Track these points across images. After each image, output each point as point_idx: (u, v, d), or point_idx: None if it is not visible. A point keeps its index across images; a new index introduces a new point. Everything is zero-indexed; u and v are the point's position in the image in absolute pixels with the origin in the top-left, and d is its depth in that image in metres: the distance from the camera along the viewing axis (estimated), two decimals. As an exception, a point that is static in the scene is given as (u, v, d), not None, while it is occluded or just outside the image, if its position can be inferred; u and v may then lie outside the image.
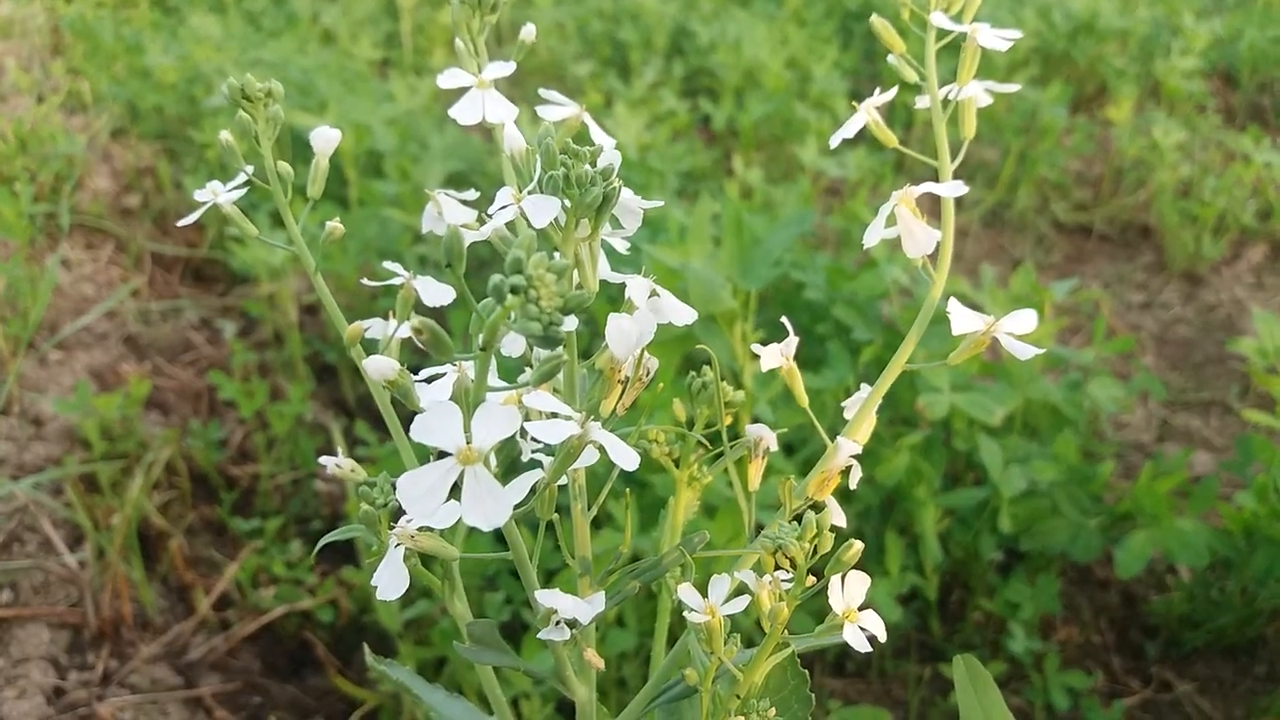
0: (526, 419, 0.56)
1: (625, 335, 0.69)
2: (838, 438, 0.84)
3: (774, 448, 0.88)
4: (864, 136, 5.09)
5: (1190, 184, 4.32)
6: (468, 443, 0.52)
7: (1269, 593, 2.28)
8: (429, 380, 0.70)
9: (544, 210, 0.66)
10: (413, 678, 0.95)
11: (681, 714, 0.87)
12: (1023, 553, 2.62)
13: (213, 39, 4.51)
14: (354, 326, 0.91)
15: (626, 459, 0.60)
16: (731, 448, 0.85)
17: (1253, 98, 5.28)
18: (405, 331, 0.90)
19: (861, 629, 0.74)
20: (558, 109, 0.91)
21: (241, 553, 2.61)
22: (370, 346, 0.97)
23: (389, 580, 0.70)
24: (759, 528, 2.11)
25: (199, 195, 0.92)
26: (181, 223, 0.90)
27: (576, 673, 0.81)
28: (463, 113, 0.86)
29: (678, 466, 0.89)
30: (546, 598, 0.70)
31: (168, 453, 2.77)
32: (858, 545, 0.73)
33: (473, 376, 0.55)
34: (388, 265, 0.93)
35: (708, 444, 0.89)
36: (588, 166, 0.68)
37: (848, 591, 0.75)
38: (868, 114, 0.89)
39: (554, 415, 0.62)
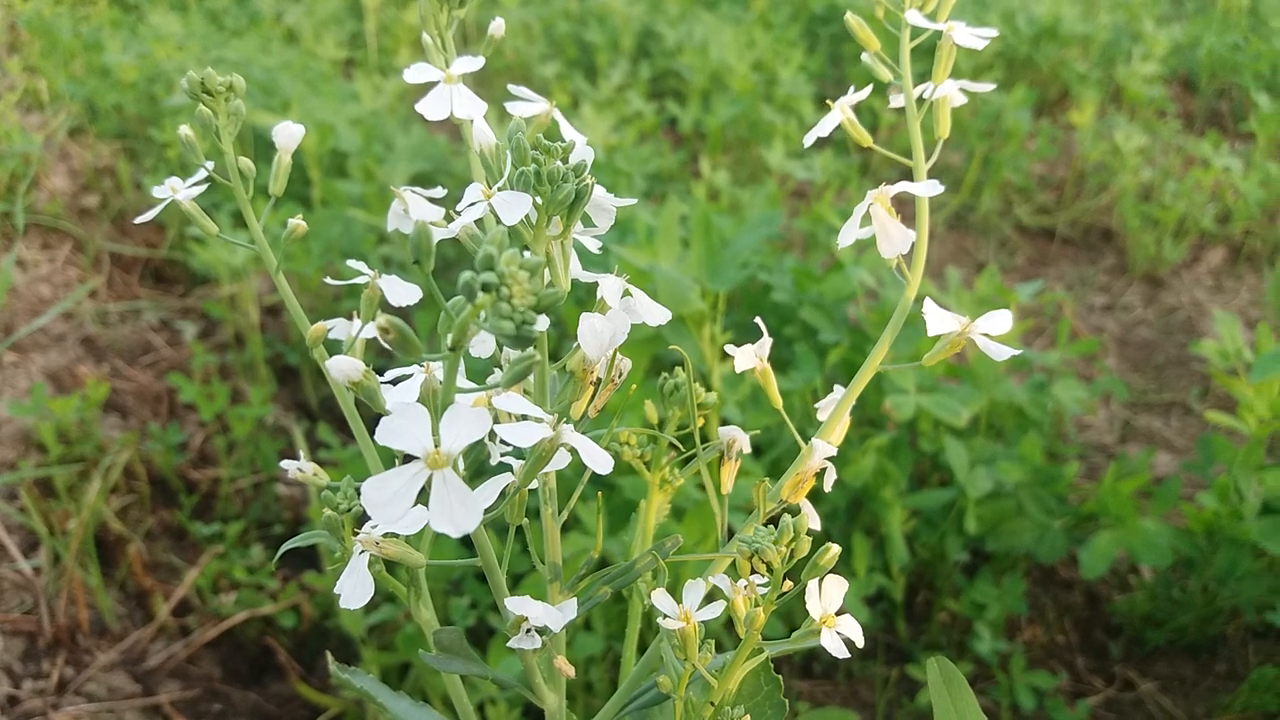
0: (496, 422, 0.54)
1: (598, 335, 0.67)
2: (812, 439, 0.83)
3: (747, 450, 0.87)
4: (831, 139, 5.12)
5: (1151, 188, 4.37)
6: (436, 446, 0.50)
7: (1230, 592, 2.30)
8: (394, 382, 0.68)
9: (515, 207, 0.64)
10: (376, 685, 0.93)
11: (653, 720, 0.85)
12: (988, 553, 2.63)
13: (174, 37, 4.45)
14: (317, 327, 0.89)
15: (600, 462, 0.58)
16: (704, 450, 0.84)
17: (1211, 103, 5.35)
18: (370, 332, 0.88)
19: (839, 634, 0.73)
20: (527, 105, 0.89)
21: (202, 558, 2.57)
22: (334, 347, 0.95)
23: (353, 588, 0.67)
24: (730, 531, 2.11)
25: (158, 192, 0.89)
26: (140, 219, 0.87)
27: (546, 680, 0.80)
28: (430, 108, 0.84)
29: (649, 469, 0.88)
30: (516, 605, 0.68)
31: (126, 456, 2.73)
32: (835, 549, 0.73)
33: (440, 378, 0.54)
34: (352, 264, 0.91)
35: (680, 446, 0.88)
36: (559, 163, 0.67)
37: (825, 596, 0.74)
38: (842, 112, 0.89)
39: (525, 418, 0.60)
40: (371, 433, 0.77)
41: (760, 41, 4.83)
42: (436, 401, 0.55)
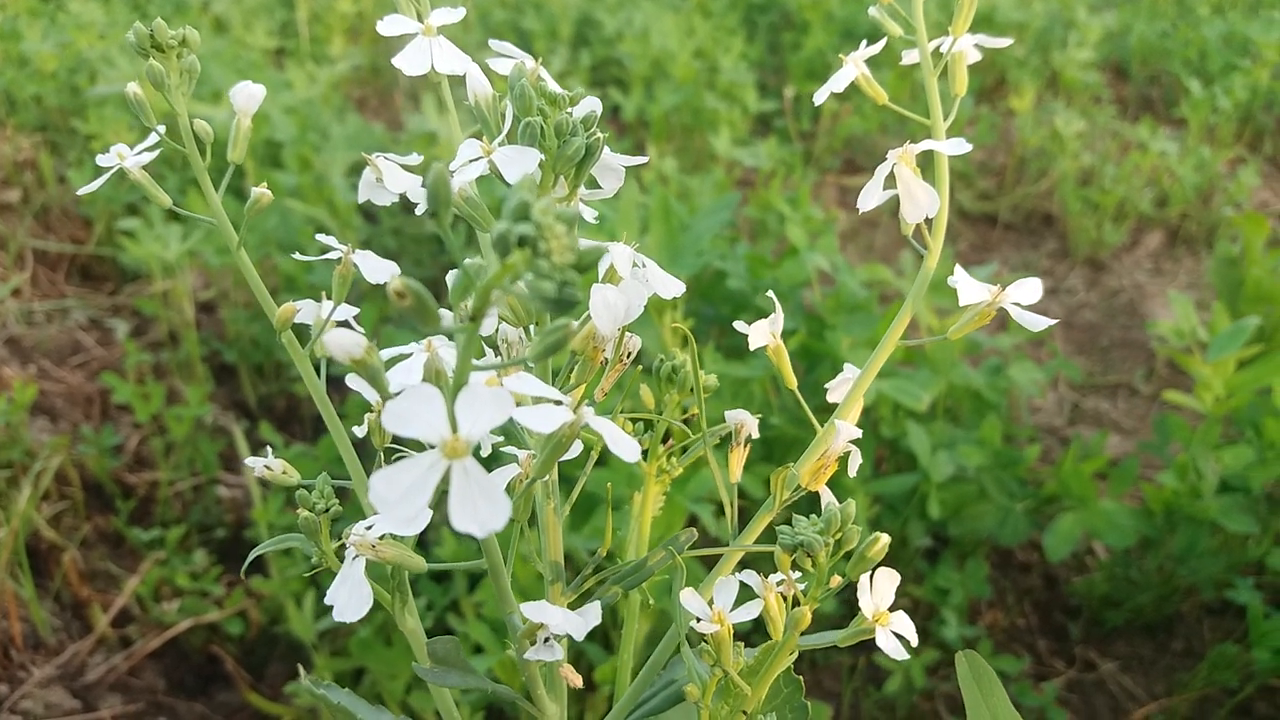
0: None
1: (612, 308, 0.62)
2: (834, 419, 0.78)
3: (755, 434, 0.82)
4: (772, 127, 5.07)
5: (1090, 173, 4.41)
6: (454, 432, 0.44)
7: (1188, 570, 2.31)
8: (388, 364, 0.62)
9: (520, 162, 0.58)
10: (354, 700, 0.86)
11: (662, 726, 0.80)
12: (948, 538, 2.62)
13: (95, 25, 4.28)
14: (285, 308, 0.82)
15: (627, 449, 0.52)
16: (705, 437, 0.79)
17: (1143, 89, 5.43)
18: (344, 312, 0.82)
19: (894, 633, 0.68)
20: (509, 62, 0.83)
21: (142, 565, 2.46)
22: (296, 339, 0.88)
23: (349, 598, 0.60)
24: (692, 519, 2.06)
25: (103, 160, 0.81)
26: (83, 190, 0.80)
27: (547, 689, 0.74)
28: (408, 62, 0.78)
29: (645, 458, 0.83)
30: (534, 611, 0.61)
31: (57, 461, 2.60)
32: (884, 539, 0.68)
33: (447, 354, 0.48)
34: (321, 238, 0.84)
35: (688, 430, 0.83)
36: (569, 113, 0.61)
37: (876, 591, 0.69)
38: (857, 67, 0.84)
39: (540, 400, 0.54)
40: (350, 420, 0.70)
41: (700, 29, 4.79)
42: (441, 382, 0.49)
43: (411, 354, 0.63)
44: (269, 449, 0.88)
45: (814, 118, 4.74)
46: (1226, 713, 2.31)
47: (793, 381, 0.85)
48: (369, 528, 0.58)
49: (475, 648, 2.16)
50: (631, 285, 0.66)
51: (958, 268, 0.76)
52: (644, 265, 0.70)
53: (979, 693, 0.76)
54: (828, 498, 0.77)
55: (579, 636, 0.60)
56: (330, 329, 0.78)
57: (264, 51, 4.60)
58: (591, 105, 0.65)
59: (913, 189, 0.74)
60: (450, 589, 2.31)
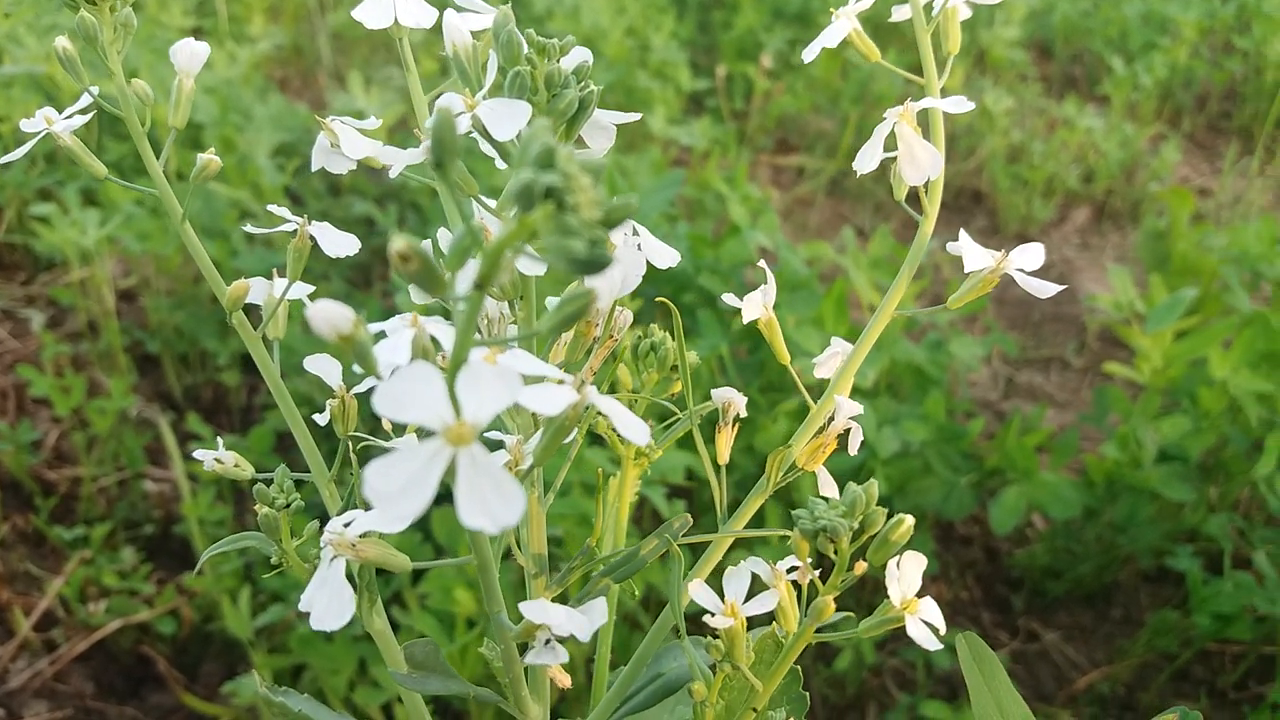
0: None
1: (608, 279, 0.57)
2: (834, 395, 0.75)
3: (743, 413, 0.79)
4: (705, 106, 5.04)
5: (1019, 150, 4.46)
6: (458, 416, 0.40)
7: (1127, 539, 2.34)
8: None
9: (510, 117, 0.53)
10: (315, 706, 0.81)
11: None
12: (892, 513, 2.62)
13: (0, 2, 4.08)
14: (237, 285, 0.76)
15: (637, 430, 0.48)
16: (689, 416, 0.75)
17: (1066, 67, 5.51)
18: (298, 292, 0.76)
19: (924, 621, 0.65)
20: (477, 18, 0.78)
21: (66, 565, 2.36)
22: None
23: (327, 604, 0.53)
24: (641, 502, 2.01)
25: (27, 125, 0.75)
26: (5, 159, 0.73)
27: (530, 690, 0.69)
28: (369, 14, 0.72)
29: (622, 441, 0.79)
30: (535, 611, 0.56)
31: (-29, 459, 2.48)
32: (909, 520, 0.65)
33: (433, 330, 0.43)
34: (273, 209, 0.78)
35: (674, 408, 0.79)
36: (559, 63, 0.56)
37: (904, 577, 0.66)
38: (850, 22, 0.80)
39: (540, 379, 0.50)
40: (307, 407, 0.65)
41: (630, 8, 4.74)
42: (429, 358, 0.45)
43: (388, 332, 0.58)
44: (220, 443, 0.82)
45: (746, 97, 4.73)
46: (1166, 678, 2.35)
47: (785, 357, 0.82)
48: (347, 524, 0.52)
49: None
50: (627, 254, 0.62)
51: (962, 234, 0.74)
52: (638, 233, 0.66)
53: (980, 675, 0.74)
54: (825, 478, 0.74)
55: (584, 638, 0.56)
56: (278, 306, 0.73)
57: (180, 31, 4.43)
58: (582, 56, 0.61)
59: (915, 149, 0.71)
60: (392, 580, 2.25)
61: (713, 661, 0.67)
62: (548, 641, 0.56)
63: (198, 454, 0.78)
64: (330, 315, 0.45)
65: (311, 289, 0.79)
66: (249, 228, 0.79)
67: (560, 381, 0.48)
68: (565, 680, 0.62)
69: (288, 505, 0.70)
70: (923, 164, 0.71)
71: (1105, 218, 4.35)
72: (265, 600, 2.41)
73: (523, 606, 0.56)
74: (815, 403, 0.77)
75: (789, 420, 2.20)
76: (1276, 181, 4.45)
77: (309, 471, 0.86)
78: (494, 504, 0.39)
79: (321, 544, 0.51)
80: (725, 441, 0.80)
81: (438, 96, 0.65)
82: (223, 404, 3.13)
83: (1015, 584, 2.67)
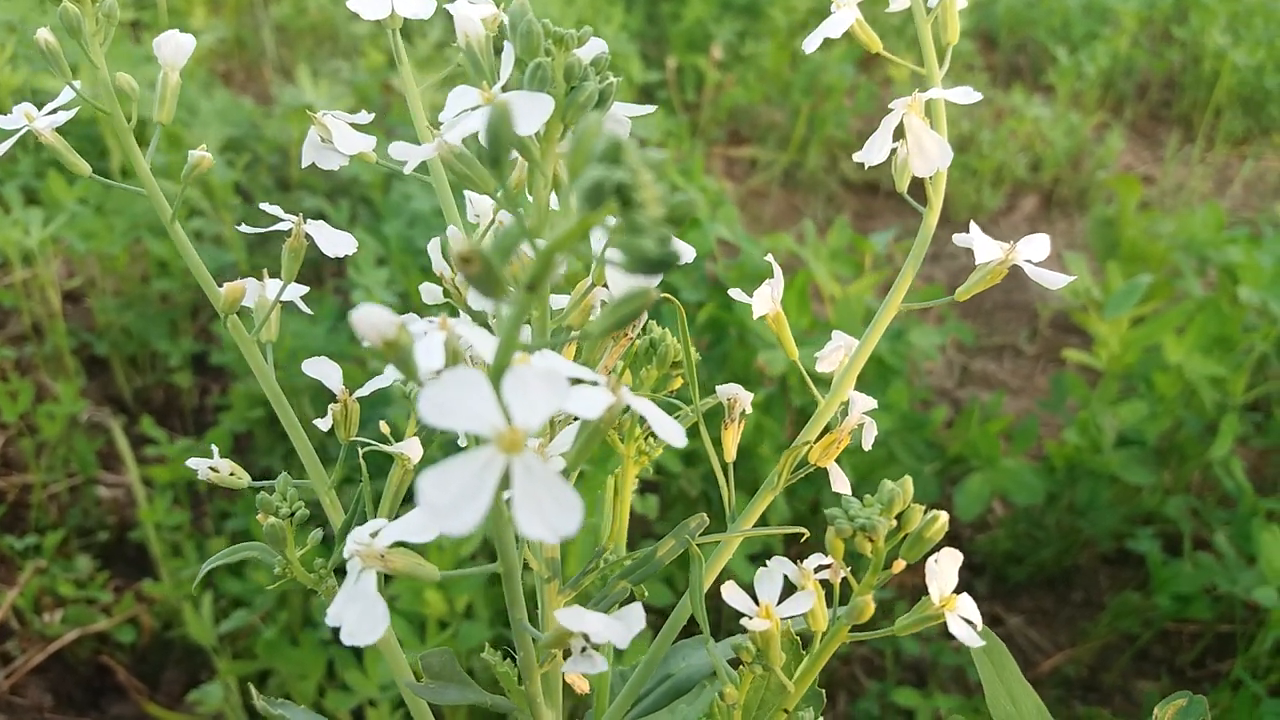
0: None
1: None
2: (844, 390, 0.75)
3: (749, 410, 0.78)
4: (655, 98, 5.03)
5: (968, 139, 4.51)
6: (508, 423, 0.38)
7: (1088, 523, 2.38)
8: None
9: (532, 111, 0.51)
10: (313, 717, 0.79)
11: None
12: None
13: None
14: (232, 287, 0.74)
15: (673, 433, 0.47)
16: (693, 411, 0.74)
17: (1011, 57, 5.58)
18: (293, 293, 0.74)
19: (963, 618, 0.65)
20: (476, 7, 0.76)
21: (19, 575, 2.29)
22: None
23: (359, 618, 0.50)
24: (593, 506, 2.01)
25: (6, 122, 0.72)
26: None
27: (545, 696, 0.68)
28: (365, 5, 0.70)
29: (622, 440, 0.78)
30: (572, 619, 0.55)
31: (-85, 468, 2.40)
32: (943, 516, 0.65)
33: (467, 336, 0.41)
34: (267, 208, 0.76)
35: (679, 403, 0.78)
36: (578, 53, 0.55)
37: (941, 574, 0.66)
38: (853, 11, 0.80)
39: (576, 381, 0.49)
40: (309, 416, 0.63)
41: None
42: (460, 361, 0.44)
43: (417, 335, 0.56)
44: (215, 451, 0.80)
45: (697, 89, 4.72)
46: (1128, 659, 2.39)
47: (794, 352, 0.81)
48: (374, 534, 0.51)
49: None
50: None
51: (973, 226, 0.74)
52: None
53: (992, 666, 0.74)
54: (837, 474, 0.73)
55: (622, 644, 0.54)
56: (273, 309, 0.71)
57: (119, 23, 4.33)
58: (599, 48, 0.59)
59: (924, 140, 0.71)
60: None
61: (735, 660, 0.67)
62: (584, 649, 0.55)
63: (190, 463, 0.75)
64: (377, 321, 0.44)
65: (305, 289, 0.77)
66: (243, 227, 0.77)
67: (595, 383, 0.47)
68: (584, 686, 0.61)
69: (292, 514, 0.68)
70: (932, 155, 0.71)
71: (1053, 206, 4.42)
72: (226, 606, 2.36)
73: (559, 614, 0.55)
74: (819, 401, 0.77)
75: (754, 411, 2.20)
76: (1216, 169, 4.55)
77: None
78: (552, 513, 0.37)
79: (345, 555, 0.50)
80: (732, 439, 0.79)
81: (451, 87, 0.63)
82: (174, 406, 3.06)
83: (978, 569, 2.70)
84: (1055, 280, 0.72)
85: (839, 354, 0.81)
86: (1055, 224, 4.34)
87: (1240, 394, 2.40)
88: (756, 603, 0.69)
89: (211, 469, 0.74)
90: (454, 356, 0.46)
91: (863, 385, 2.81)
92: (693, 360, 0.74)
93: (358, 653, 2.02)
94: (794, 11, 5.10)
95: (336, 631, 2.09)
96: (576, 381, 0.47)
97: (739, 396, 0.79)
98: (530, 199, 0.54)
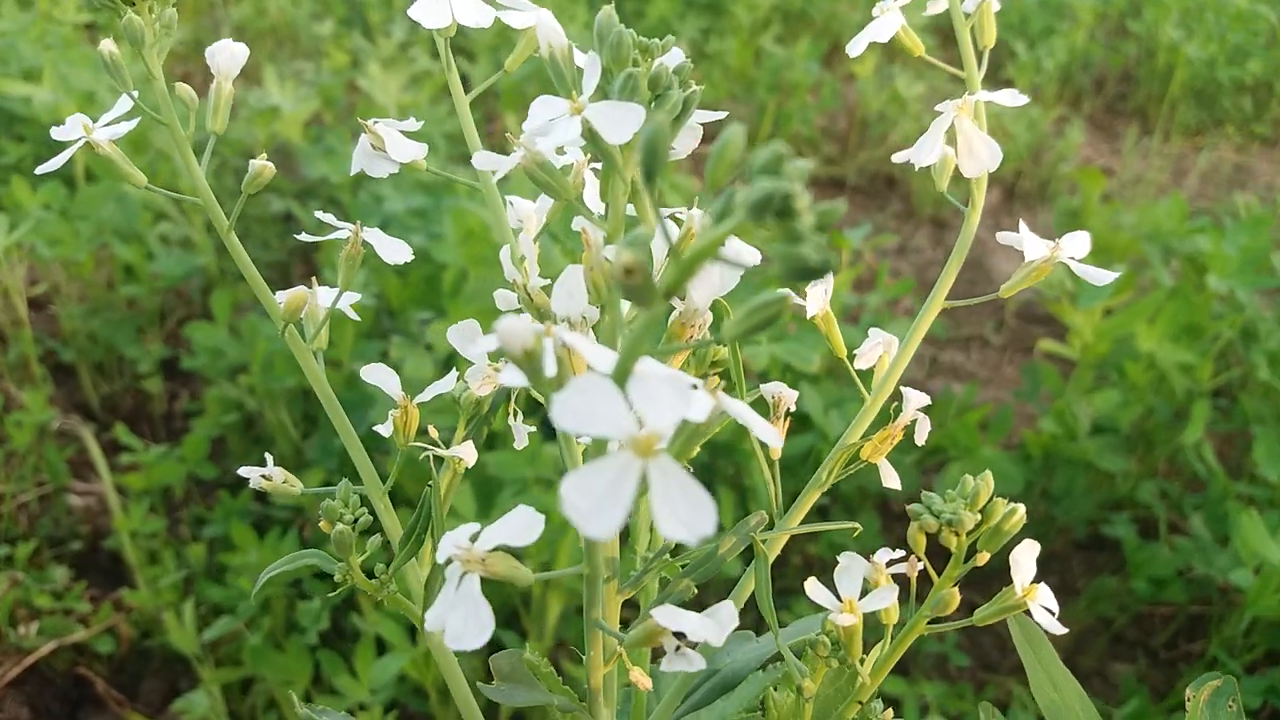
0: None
1: (708, 278, 0.57)
2: (902, 387, 0.76)
3: (793, 408, 0.79)
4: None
5: (930, 134, 4.55)
6: (640, 427, 0.39)
7: (1063, 509, 2.42)
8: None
9: (623, 121, 0.52)
10: None
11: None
12: (836, 494, 2.67)
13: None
14: (294, 295, 0.73)
15: (771, 436, 0.48)
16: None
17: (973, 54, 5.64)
18: (348, 301, 0.73)
19: (1044, 608, 0.66)
20: (518, 15, 0.75)
21: (-5, 588, 2.25)
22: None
23: (464, 623, 0.49)
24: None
25: (59, 133, 0.70)
26: (43, 168, 0.69)
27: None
28: (426, 13, 0.70)
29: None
30: (668, 617, 0.55)
31: (-117, 481, 2.35)
32: (1020, 509, 0.66)
33: (569, 340, 0.41)
34: (321, 216, 0.75)
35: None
36: (662, 61, 0.55)
37: (1022, 565, 0.67)
38: (899, 16, 0.81)
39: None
40: (359, 421, 0.63)
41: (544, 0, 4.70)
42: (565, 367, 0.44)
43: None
44: (269, 460, 0.79)
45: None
46: (1105, 642, 2.44)
47: (842, 350, 0.82)
48: (473, 537, 0.50)
49: (380, 645, 2.07)
50: (741, 250, 0.60)
51: (1021, 225, 0.75)
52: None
53: (1033, 654, 0.76)
54: (887, 470, 0.74)
55: (718, 642, 0.55)
56: (327, 318, 0.70)
57: (75, 27, 4.26)
58: (679, 57, 0.60)
59: (974, 142, 0.72)
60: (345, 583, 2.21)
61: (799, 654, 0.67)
62: (678, 648, 0.56)
63: (243, 471, 0.74)
64: (520, 331, 0.44)
65: (357, 297, 0.76)
66: (303, 236, 0.76)
67: (694, 386, 0.47)
68: (646, 683, 0.62)
69: (355, 522, 0.67)
70: (981, 156, 0.72)
71: (1015, 198, 4.48)
72: (206, 613, 2.34)
73: (655, 613, 0.55)
74: (867, 397, 0.78)
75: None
76: (1173, 160, 4.64)
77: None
78: (687, 514, 0.38)
79: (441, 559, 0.49)
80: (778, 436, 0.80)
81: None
82: (143, 412, 3.02)
83: (950, 559, 2.73)
84: (1101, 277, 0.74)
85: (878, 350, 0.82)
86: (1017, 216, 4.40)
87: (1207, 380, 2.45)
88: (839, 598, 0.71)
89: (264, 477, 0.73)
90: (561, 365, 0.46)
91: (841, 380, 2.82)
92: (739, 359, 0.75)
93: (345, 657, 2.01)
94: (757, 9, 5.12)
95: (323, 635, 2.07)
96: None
97: (783, 394, 0.80)
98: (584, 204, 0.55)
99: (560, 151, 0.65)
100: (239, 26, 4.71)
